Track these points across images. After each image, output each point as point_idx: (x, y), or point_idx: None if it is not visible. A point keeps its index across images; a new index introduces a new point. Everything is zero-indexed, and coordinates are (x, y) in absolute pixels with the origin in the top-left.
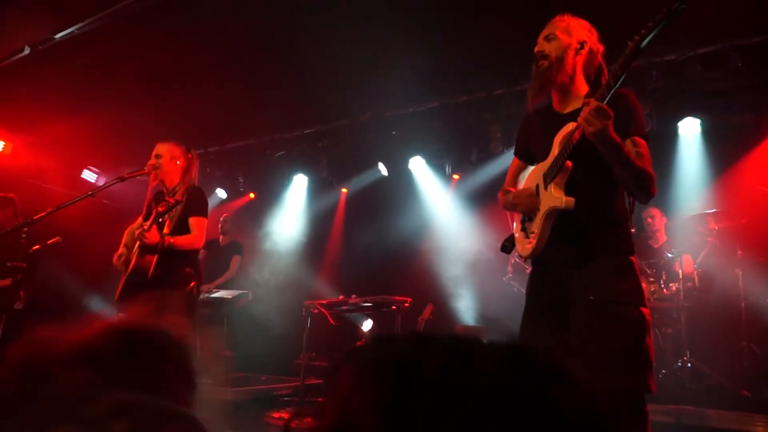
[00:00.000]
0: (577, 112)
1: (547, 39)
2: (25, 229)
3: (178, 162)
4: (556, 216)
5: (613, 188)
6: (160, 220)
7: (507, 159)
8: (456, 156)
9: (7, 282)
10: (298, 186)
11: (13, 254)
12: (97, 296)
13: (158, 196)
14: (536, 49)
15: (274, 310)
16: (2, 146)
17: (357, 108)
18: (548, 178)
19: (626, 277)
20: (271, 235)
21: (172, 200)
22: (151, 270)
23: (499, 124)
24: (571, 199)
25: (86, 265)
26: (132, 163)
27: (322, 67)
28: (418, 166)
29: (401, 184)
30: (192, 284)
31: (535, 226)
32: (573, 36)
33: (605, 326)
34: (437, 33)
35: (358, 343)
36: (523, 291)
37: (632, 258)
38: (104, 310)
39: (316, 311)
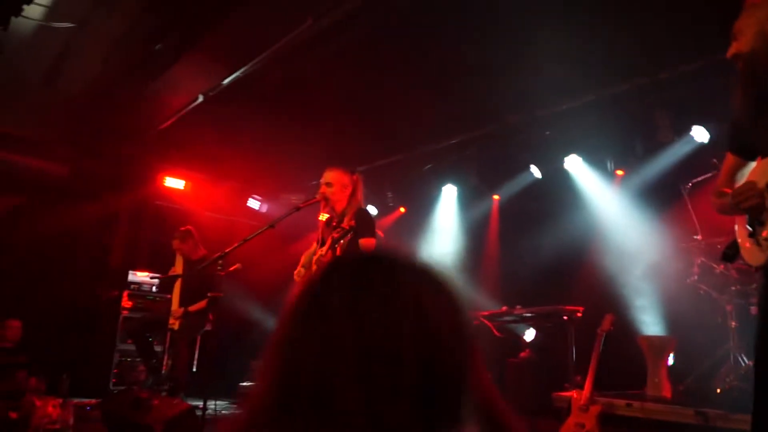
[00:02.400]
0: None
1: (734, 37)
2: (220, 261)
3: (346, 188)
4: None
5: None
6: (336, 246)
7: (678, 148)
8: (618, 150)
9: (202, 305)
10: (449, 197)
11: (204, 281)
12: (273, 315)
13: (329, 222)
14: (728, 54)
15: None
16: (183, 185)
17: (505, 111)
18: None
19: None
20: (425, 248)
21: (346, 226)
22: None
23: (667, 110)
24: None
25: (259, 287)
26: (291, 188)
27: (466, 74)
28: (574, 164)
29: (557, 186)
30: None
31: None
32: (760, 16)
33: None
34: (587, 20)
35: (522, 354)
36: (712, 293)
37: None
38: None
39: (477, 323)
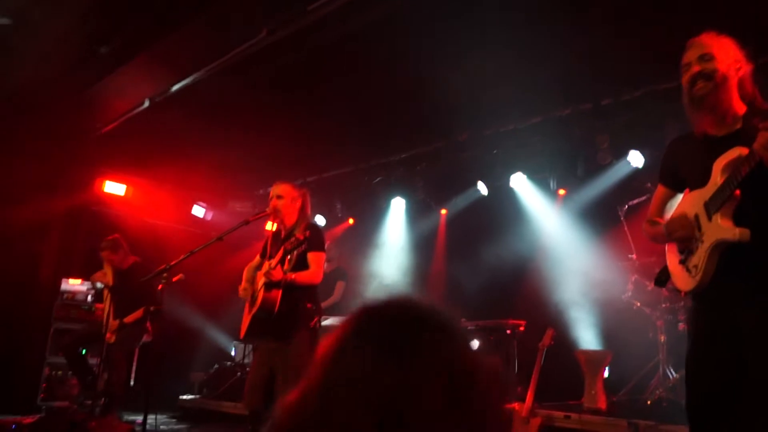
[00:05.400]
0: (737, 134)
1: (703, 59)
2: (165, 274)
3: (296, 201)
4: (724, 248)
5: None
6: (288, 257)
7: (615, 171)
8: (561, 170)
9: (138, 315)
10: (397, 210)
11: (140, 291)
12: (214, 326)
13: (277, 235)
14: (694, 69)
15: None
16: (124, 190)
17: (455, 129)
18: (712, 207)
19: None
20: (372, 260)
21: (301, 236)
22: (277, 306)
23: (607, 134)
24: (746, 231)
25: (200, 297)
26: (237, 196)
27: (418, 91)
28: (520, 182)
29: (503, 203)
30: (315, 319)
31: (699, 259)
32: (730, 55)
33: None
34: (537, 47)
35: None
36: (644, 309)
37: None
38: (222, 340)
39: None
